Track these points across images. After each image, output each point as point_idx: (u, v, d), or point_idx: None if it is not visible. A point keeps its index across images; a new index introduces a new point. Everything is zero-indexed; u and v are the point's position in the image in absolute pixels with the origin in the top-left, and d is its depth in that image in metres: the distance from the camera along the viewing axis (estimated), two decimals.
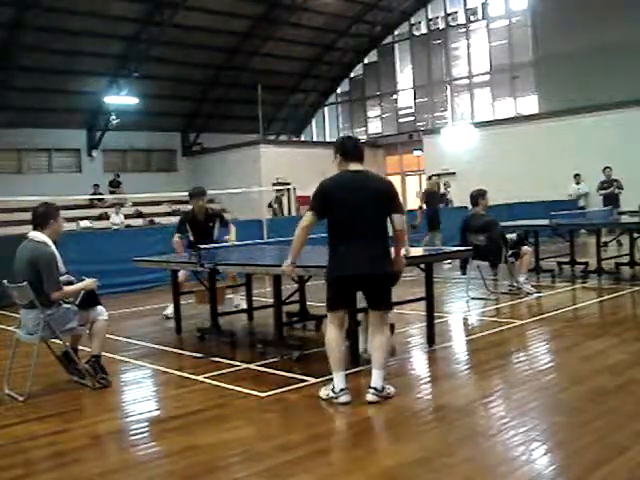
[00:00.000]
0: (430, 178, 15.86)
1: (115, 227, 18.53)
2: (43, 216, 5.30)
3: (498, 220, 9.22)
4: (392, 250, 4.85)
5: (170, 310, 8.40)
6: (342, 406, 4.57)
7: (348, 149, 4.80)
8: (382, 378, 4.63)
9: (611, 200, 15.82)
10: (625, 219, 11.82)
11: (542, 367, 5.52)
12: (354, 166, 4.76)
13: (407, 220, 5.26)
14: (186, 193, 9.06)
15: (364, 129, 29.51)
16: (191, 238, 8.24)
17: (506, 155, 21.61)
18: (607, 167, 16.63)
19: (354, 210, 4.63)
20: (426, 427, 4.22)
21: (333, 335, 4.74)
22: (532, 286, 9.09)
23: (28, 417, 4.70)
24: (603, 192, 16.49)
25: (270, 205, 20.50)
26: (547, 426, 4.11)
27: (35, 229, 5.30)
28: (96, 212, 21.32)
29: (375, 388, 4.60)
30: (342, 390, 4.62)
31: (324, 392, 4.74)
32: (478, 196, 8.99)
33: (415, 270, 6.42)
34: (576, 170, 19.17)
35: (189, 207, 8.53)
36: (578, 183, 19.04)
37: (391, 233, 4.81)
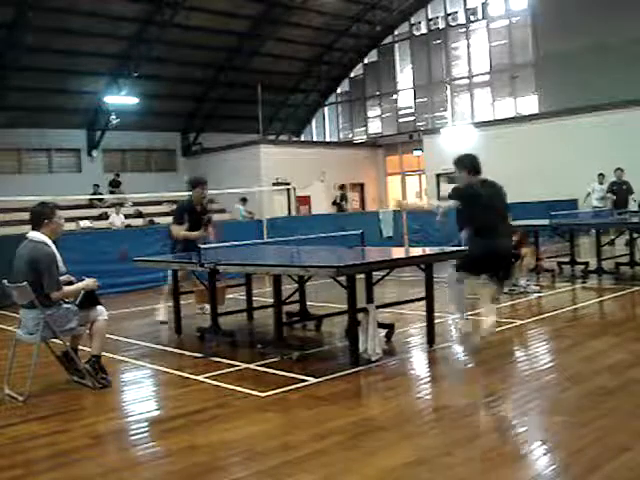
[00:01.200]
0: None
1: (115, 227, 18.53)
2: (37, 216, 5.31)
3: None
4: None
5: (162, 316, 8.24)
6: (344, 405, 4.58)
7: (475, 166, 6.39)
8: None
9: (621, 203, 15.05)
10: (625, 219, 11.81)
11: (542, 367, 5.53)
12: (479, 176, 6.37)
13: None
14: (186, 193, 9.04)
15: (364, 129, 29.53)
16: (185, 229, 8.09)
17: (506, 155, 21.58)
18: (619, 168, 15.89)
19: (492, 207, 6.33)
20: (426, 427, 4.23)
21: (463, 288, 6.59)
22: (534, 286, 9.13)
23: (28, 417, 4.70)
24: (609, 195, 15.59)
25: (335, 202, 20.75)
26: (547, 426, 4.11)
27: (33, 229, 5.31)
28: (96, 212, 21.32)
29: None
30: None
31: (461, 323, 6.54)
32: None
33: (415, 270, 6.43)
34: (575, 170, 19.21)
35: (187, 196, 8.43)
36: (601, 183, 18.37)
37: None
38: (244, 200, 20.33)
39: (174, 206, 9.05)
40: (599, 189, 17.37)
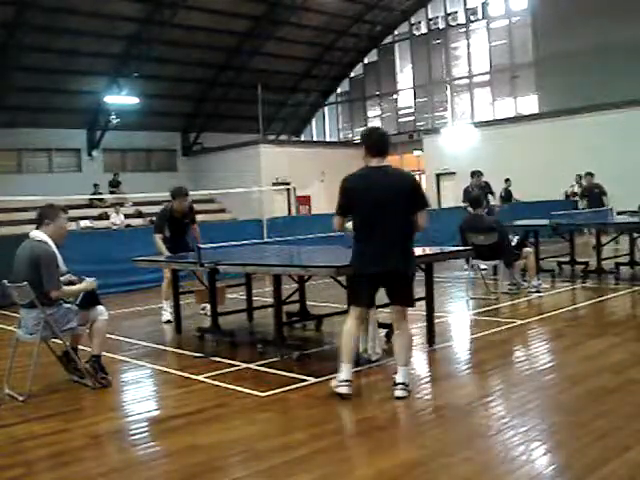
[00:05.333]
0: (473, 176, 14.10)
1: (115, 227, 18.53)
2: (40, 216, 5.34)
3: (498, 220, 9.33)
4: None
5: (167, 316, 8.35)
6: (341, 399, 4.61)
7: (372, 144, 4.82)
8: (408, 374, 4.74)
9: (596, 206, 13.97)
10: (625, 219, 11.81)
11: (542, 367, 5.52)
12: (376, 162, 4.76)
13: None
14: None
15: (364, 129, 29.49)
16: (167, 234, 8.27)
17: (506, 155, 21.60)
18: (588, 173, 15.22)
19: (374, 208, 4.64)
20: (426, 427, 4.22)
21: (350, 328, 4.81)
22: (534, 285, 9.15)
23: (28, 417, 4.70)
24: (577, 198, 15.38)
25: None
26: (547, 426, 4.11)
27: (37, 228, 5.32)
28: (96, 212, 21.32)
29: (404, 383, 4.68)
30: (344, 381, 4.69)
31: (334, 383, 4.81)
32: (480, 197, 9.10)
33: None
34: (575, 170, 19.20)
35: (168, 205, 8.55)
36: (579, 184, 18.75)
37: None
38: None
39: (161, 208, 9.10)
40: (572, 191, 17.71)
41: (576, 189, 19.04)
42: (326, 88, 29.75)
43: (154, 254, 8.17)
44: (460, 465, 3.54)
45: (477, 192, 9.18)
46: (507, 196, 19.21)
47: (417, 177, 26.40)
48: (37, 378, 5.24)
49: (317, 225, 13.81)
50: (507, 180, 19.38)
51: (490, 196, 13.05)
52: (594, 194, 14.87)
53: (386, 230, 4.64)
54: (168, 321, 8.29)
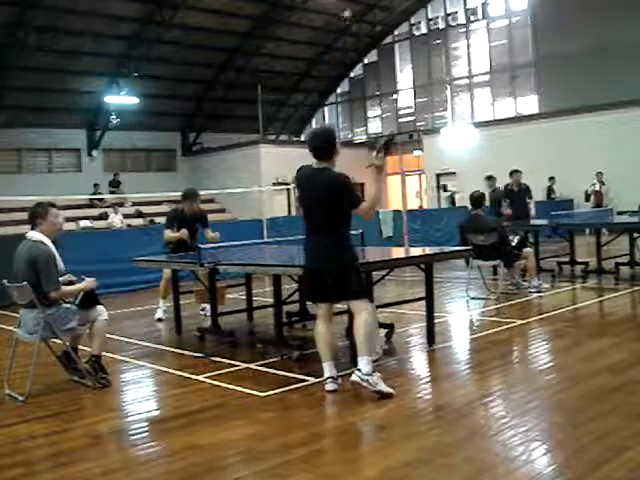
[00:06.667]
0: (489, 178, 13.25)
1: (115, 227, 18.52)
2: (31, 216, 5.34)
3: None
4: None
5: (160, 313, 8.52)
6: (343, 405, 4.59)
7: (308, 146, 4.92)
8: (368, 364, 4.66)
9: (520, 212, 11.63)
10: (625, 219, 11.82)
11: (542, 367, 5.53)
12: (317, 164, 4.89)
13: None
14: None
15: (364, 129, 29.52)
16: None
17: (506, 155, 21.59)
18: (516, 170, 12.02)
19: (309, 205, 4.92)
20: (426, 427, 4.22)
21: (318, 328, 5.01)
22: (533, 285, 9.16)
23: (28, 417, 4.70)
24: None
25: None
26: (547, 426, 4.11)
27: (32, 229, 5.31)
28: (96, 212, 21.32)
29: (359, 369, 4.66)
30: (327, 379, 4.84)
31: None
32: (480, 198, 9.07)
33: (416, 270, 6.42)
34: (575, 170, 19.26)
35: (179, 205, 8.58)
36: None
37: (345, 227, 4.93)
38: None
39: (174, 206, 9.13)
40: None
41: (597, 187, 18.93)
42: (326, 88, 29.74)
43: (154, 254, 8.18)
44: (460, 465, 3.54)
45: (480, 192, 9.12)
46: (549, 194, 19.70)
47: (418, 177, 26.55)
48: (37, 378, 5.24)
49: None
50: (551, 178, 19.76)
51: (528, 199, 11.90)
52: (518, 196, 12.68)
53: (316, 228, 4.89)
54: (159, 319, 8.47)
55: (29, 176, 22.72)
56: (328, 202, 4.79)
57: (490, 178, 13.09)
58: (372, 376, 4.64)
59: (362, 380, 4.64)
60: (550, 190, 20.22)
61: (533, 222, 11.19)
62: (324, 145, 4.87)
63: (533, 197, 12.16)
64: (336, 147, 4.89)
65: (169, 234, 8.25)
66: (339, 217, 4.84)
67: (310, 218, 4.92)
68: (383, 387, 4.66)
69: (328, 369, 4.89)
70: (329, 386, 4.84)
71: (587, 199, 19.14)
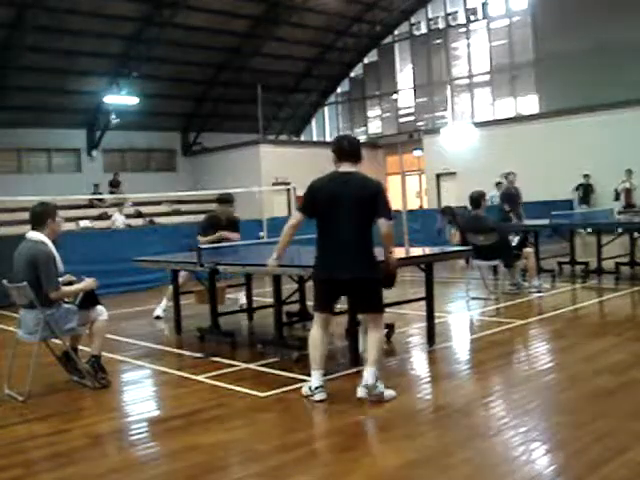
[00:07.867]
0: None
1: (117, 227, 18.50)
2: (40, 216, 5.30)
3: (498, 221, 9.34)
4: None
5: (159, 311, 8.58)
6: (343, 405, 4.58)
7: (340, 149, 4.81)
8: (374, 376, 4.60)
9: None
10: (625, 219, 11.81)
11: (542, 367, 5.53)
12: (345, 167, 4.78)
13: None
14: (186, 193, 9.09)
15: (364, 129, 29.51)
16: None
17: (506, 155, 21.60)
18: (510, 172, 12.69)
19: (337, 212, 4.66)
20: (426, 427, 4.22)
21: (316, 334, 4.83)
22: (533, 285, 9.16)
23: (28, 417, 4.71)
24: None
25: None
26: (547, 426, 4.11)
27: (33, 229, 5.30)
28: (96, 212, 21.31)
29: (366, 385, 4.59)
30: (317, 388, 4.69)
31: (305, 389, 4.80)
32: (480, 197, 9.04)
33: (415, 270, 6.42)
34: (575, 170, 19.28)
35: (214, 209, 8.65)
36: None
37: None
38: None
39: (174, 206, 9.18)
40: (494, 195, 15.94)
41: (628, 185, 18.62)
42: (326, 88, 29.71)
43: (154, 254, 8.18)
44: (460, 465, 3.54)
45: (479, 192, 9.11)
46: (585, 194, 19.43)
47: (418, 177, 26.56)
48: (37, 378, 5.24)
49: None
50: (586, 176, 19.39)
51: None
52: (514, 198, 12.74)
53: (345, 236, 4.66)
54: (157, 317, 8.55)
55: (29, 176, 22.70)
56: (361, 206, 4.64)
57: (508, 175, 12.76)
58: (378, 387, 4.58)
59: (369, 395, 4.57)
60: (586, 190, 19.60)
61: (533, 222, 11.18)
62: (358, 149, 4.85)
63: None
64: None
65: (204, 238, 8.18)
66: (368, 224, 4.69)
67: (335, 226, 4.67)
68: (388, 394, 4.63)
69: (317, 378, 4.71)
70: (319, 396, 4.65)
71: (617, 198, 18.66)
